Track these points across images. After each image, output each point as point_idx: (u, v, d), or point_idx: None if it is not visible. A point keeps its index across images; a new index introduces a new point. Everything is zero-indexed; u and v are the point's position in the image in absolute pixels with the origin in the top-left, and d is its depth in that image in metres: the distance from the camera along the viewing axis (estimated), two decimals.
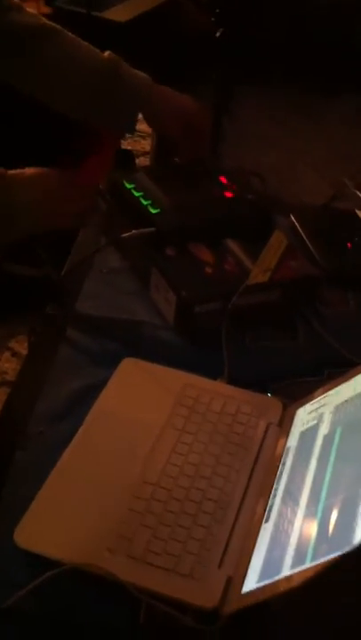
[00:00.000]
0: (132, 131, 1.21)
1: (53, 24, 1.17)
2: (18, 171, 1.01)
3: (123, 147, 3.01)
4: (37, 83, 1.18)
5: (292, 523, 0.78)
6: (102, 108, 1.18)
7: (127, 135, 1.34)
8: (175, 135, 1.21)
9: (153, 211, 1.16)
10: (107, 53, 1.17)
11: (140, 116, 1.21)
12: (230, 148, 3.53)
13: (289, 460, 0.89)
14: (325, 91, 4.16)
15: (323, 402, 0.92)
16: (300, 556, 0.73)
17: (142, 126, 1.25)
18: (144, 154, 3.08)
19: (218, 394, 0.99)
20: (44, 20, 1.17)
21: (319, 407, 0.92)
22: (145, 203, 1.18)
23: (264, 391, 1.02)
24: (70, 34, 1.17)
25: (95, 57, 1.17)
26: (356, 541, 0.65)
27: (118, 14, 2.54)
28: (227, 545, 0.81)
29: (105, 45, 1.21)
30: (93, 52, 1.17)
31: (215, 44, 1.53)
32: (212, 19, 1.52)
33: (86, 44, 1.18)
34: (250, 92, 4.07)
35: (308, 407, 0.95)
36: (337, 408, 0.88)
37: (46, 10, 2.52)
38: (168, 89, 1.19)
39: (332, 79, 4.19)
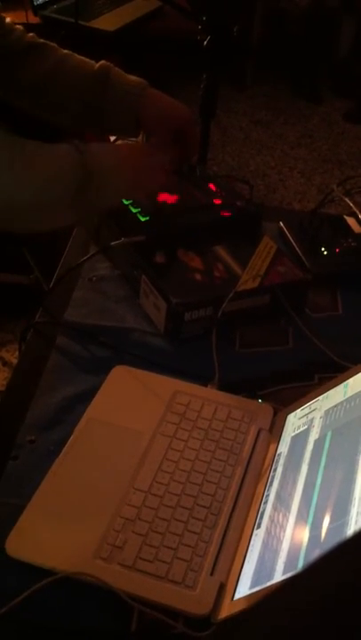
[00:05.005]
0: (136, 134, 1.21)
1: (43, 40, 1.18)
2: (89, 143, 1.02)
3: None
4: (30, 98, 1.19)
5: (283, 528, 0.78)
6: (95, 115, 1.18)
7: (118, 141, 1.34)
8: (164, 140, 1.22)
9: (142, 218, 1.17)
10: (99, 63, 1.18)
11: None
12: (216, 153, 3.55)
13: (280, 466, 0.89)
14: (309, 95, 4.20)
15: (313, 407, 0.92)
16: (291, 562, 0.73)
17: None
18: None
19: (208, 400, 0.99)
20: (34, 36, 1.18)
21: (310, 412, 0.92)
22: (134, 210, 1.18)
23: (255, 397, 1.02)
24: (61, 49, 1.18)
25: (86, 67, 1.17)
26: None
27: (106, 23, 2.55)
28: (219, 551, 0.81)
29: (94, 54, 1.21)
30: (85, 63, 1.18)
31: (202, 52, 1.53)
32: (199, 27, 1.52)
33: (80, 57, 1.18)
34: (235, 97, 4.10)
35: (299, 412, 0.95)
36: (327, 413, 0.88)
37: (35, 19, 2.53)
38: (162, 93, 1.19)
39: (315, 83, 4.23)
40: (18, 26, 1.18)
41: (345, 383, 0.89)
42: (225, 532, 0.83)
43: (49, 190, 0.95)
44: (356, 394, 0.85)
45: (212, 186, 1.29)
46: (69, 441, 0.91)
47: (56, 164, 0.95)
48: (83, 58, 1.19)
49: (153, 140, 1.22)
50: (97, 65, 1.17)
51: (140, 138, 1.24)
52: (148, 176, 1.09)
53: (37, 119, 1.21)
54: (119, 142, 1.05)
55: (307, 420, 0.91)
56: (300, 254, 1.27)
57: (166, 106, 1.19)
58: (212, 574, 0.78)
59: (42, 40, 1.19)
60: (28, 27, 1.22)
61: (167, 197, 1.22)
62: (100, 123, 1.19)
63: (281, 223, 1.36)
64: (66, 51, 1.19)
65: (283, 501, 0.82)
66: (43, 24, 2.52)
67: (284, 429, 0.95)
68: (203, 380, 1.03)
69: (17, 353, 1.32)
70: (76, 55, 1.19)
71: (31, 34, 1.19)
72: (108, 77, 1.16)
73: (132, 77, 1.18)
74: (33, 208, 0.95)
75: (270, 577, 0.74)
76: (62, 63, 1.17)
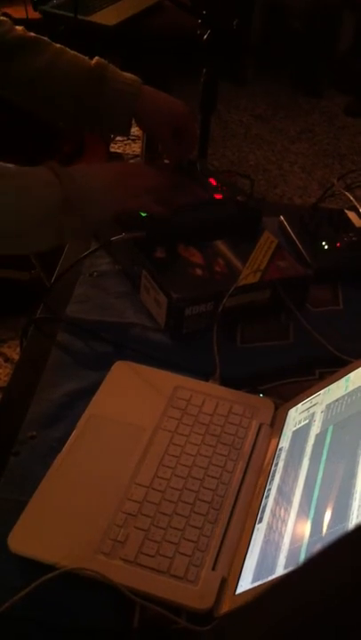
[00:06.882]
0: (127, 133, 1.21)
1: (38, 36, 1.18)
2: (77, 165, 1.02)
3: (112, 150, 3.03)
4: (25, 94, 1.19)
5: (285, 522, 0.79)
6: (90, 114, 1.18)
7: (117, 138, 1.34)
8: (164, 137, 1.22)
9: (142, 214, 1.16)
10: (94, 59, 1.17)
11: None
12: (216, 148, 3.55)
13: (281, 460, 0.89)
14: (310, 90, 4.19)
15: (314, 401, 0.92)
16: (293, 556, 0.73)
17: (133, 129, 1.25)
18: (134, 156, 3.08)
19: (209, 395, 0.99)
20: (29, 32, 1.17)
21: (311, 406, 0.92)
22: None
23: (256, 392, 1.02)
24: (56, 44, 1.18)
25: (81, 64, 1.17)
26: None
27: (106, 18, 2.54)
28: (220, 546, 0.81)
29: (94, 48, 1.21)
30: (80, 60, 1.17)
31: (202, 46, 1.53)
32: (199, 21, 1.52)
33: (73, 52, 1.18)
34: (235, 92, 4.10)
35: (300, 407, 0.95)
36: (328, 407, 0.88)
37: (35, 15, 2.52)
38: (157, 91, 1.19)
39: (315, 78, 4.23)
40: (3, 18, 1.17)
41: (346, 377, 0.89)
42: (227, 526, 0.83)
43: (28, 218, 0.95)
44: (357, 388, 0.85)
45: (212, 181, 1.28)
46: (71, 437, 0.91)
47: (34, 193, 0.95)
48: (76, 53, 1.18)
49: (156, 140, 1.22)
50: (93, 62, 1.17)
51: (138, 134, 1.24)
52: (136, 189, 1.08)
53: (36, 119, 1.21)
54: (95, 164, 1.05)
55: (308, 415, 0.91)
56: (301, 249, 1.27)
57: (163, 102, 1.19)
58: (214, 569, 0.78)
59: (33, 34, 1.18)
60: (29, 22, 1.22)
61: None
62: (96, 120, 1.18)
63: (282, 218, 1.35)
64: (59, 45, 1.18)
65: (284, 496, 0.82)
66: (43, 19, 2.51)
67: (286, 424, 0.95)
68: (204, 375, 1.03)
69: (18, 349, 1.32)
70: (69, 50, 1.18)
71: (20, 27, 1.18)
72: (103, 75, 1.16)
73: (127, 75, 1.18)
74: (13, 235, 0.95)
75: (272, 571, 0.74)
76: (57, 58, 1.17)
